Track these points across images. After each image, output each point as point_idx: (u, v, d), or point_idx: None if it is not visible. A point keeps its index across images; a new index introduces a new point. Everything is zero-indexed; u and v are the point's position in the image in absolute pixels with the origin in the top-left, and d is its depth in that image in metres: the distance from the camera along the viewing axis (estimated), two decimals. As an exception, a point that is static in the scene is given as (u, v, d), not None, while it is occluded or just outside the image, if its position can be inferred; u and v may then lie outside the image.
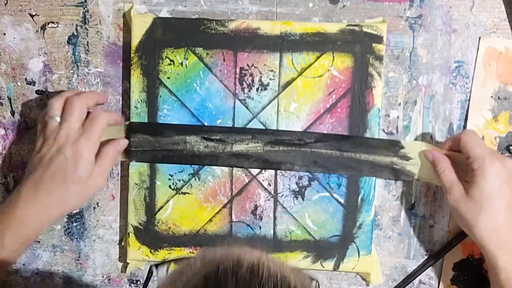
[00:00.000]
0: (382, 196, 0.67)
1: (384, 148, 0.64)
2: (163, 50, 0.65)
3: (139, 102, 0.65)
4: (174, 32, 0.64)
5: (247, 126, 0.65)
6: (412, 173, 0.64)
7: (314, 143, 0.64)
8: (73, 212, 0.68)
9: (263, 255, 0.42)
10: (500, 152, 0.65)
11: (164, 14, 0.66)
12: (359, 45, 0.63)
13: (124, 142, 0.64)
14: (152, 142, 0.65)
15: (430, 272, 0.68)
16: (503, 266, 0.57)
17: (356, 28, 0.63)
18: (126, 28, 0.66)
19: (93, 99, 0.63)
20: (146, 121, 0.65)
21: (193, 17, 0.65)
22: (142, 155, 0.65)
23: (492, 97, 0.65)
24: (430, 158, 0.61)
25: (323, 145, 0.64)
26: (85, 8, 0.66)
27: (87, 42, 0.67)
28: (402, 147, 0.64)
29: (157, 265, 0.67)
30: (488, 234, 0.57)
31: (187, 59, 0.65)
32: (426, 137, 0.66)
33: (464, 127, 0.66)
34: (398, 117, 0.66)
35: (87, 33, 0.67)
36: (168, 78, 0.65)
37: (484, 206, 0.57)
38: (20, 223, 0.59)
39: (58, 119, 0.60)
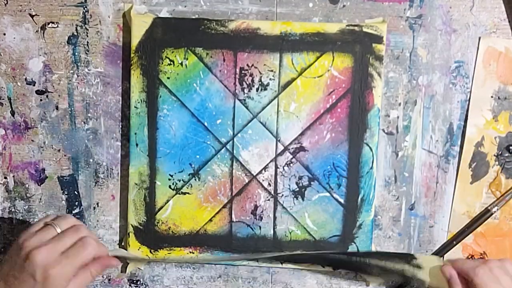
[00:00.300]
0: (382, 196, 0.67)
1: (396, 257, 0.64)
2: (163, 50, 0.65)
3: (139, 102, 0.65)
4: (174, 32, 0.64)
5: (247, 126, 0.65)
6: (422, 281, 0.63)
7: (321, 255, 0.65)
8: (73, 212, 0.68)
9: None
10: (500, 152, 0.65)
11: (164, 14, 0.66)
12: (359, 45, 0.63)
13: (115, 263, 0.60)
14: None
15: (430, 272, 0.68)
16: None
17: (356, 28, 0.63)
18: (126, 28, 0.66)
19: (99, 252, 0.58)
20: (146, 121, 0.65)
21: (193, 17, 0.65)
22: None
23: (492, 97, 0.65)
24: (447, 275, 0.62)
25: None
26: (85, 8, 0.66)
27: (87, 42, 0.67)
28: (415, 258, 0.63)
29: None
30: None
31: (187, 59, 0.65)
32: (426, 137, 0.66)
33: (464, 127, 0.66)
34: (398, 117, 0.66)
35: (87, 33, 0.67)
36: (168, 78, 0.65)
37: None
38: None
39: (58, 230, 0.57)
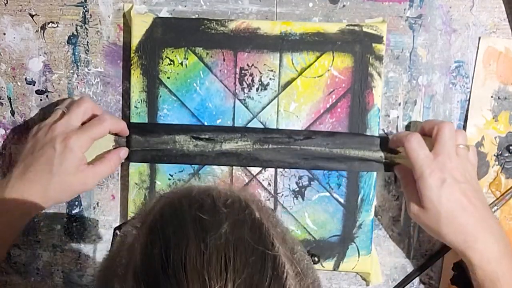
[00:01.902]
0: (382, 196, 0.67)
1: (373, 144, 0.64)
2: (163, 50, 0.65)
3: (139, 102, 0.65)
4: (174, 32, 0.64)
5: (247, 126, 0.65)
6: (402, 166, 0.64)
7: (303, 140, 0.64)
8: (73, 212, 0.68)
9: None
10: (500, 152, 0.65)
11: (164, 14, 0.66)
12: (359, 45, 0.63)
13: (125, 151, 0.64)
14: (141, 142, 0.65)
15: (430, 272, 0.68)
16: (477, 264, 0.57)
17: (356, 28, 0.63)
18: (126, 28, 0.66)
19: (113, 125, 0.63)
20: (146, 121, 0.65)
21: (193, 17, 0.65)
22: (132, 155, 0.65)
23: (492, 97, 0.65)
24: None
25: (312, 142, 0.64)
26: (85, 8, 0.66)
27: (87, 42, 0.67)
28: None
29: (120, 227, 0.65)
30: (455, 238, 0.58)
31: (187, 59, 0.65)
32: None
33: (464, 127, 0.66)
34: (398, 117, 0.66)
35: (87, 33, 0.67)
36: (168, 78, 0.65)
37: (441, 213, 0.57)
38: (7, 210, 0.59)
39: (63, 110, 0.62)
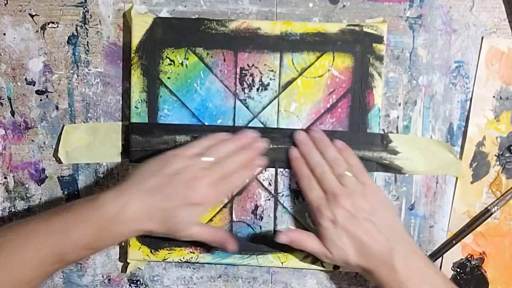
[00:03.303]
0: (382, 196, 0.67)
1: (373, 143, 0.64)
2: (163, 50, 0.64)
3: (139, 102, 0.65)
4: (174, 32, 0.64)
5: (248, 126, 0.65)
6: (400, 167, 0.64)
7: None
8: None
9: None
10: (501, 153, 0.65)
11: (164, 14, 0.66)
12: (359, 45, 0.63)
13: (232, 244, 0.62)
14: (142, 142, 0.65)
15: (430, 272, 0.68)
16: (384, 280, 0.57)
17: (357, 28, 0.63)
18: (126, 28, 0.66)
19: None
20: (147, 121, 0.65)
21: (193, 17, 0.65)
22: (132, 155, 0.65)
23: (494, 97, 0.65)
24: (284, 240, 0.61)
25: None
26: (85, 8, 0.66)
27: (87, 42, 0.67)
28: (391, 141, 0.64)
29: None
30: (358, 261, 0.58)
31: (187, 59, 0.65)
32: (426, 137, 0.66)
33: (465, 127, 0.65)
34: (398, 117, 0.66)
35: (87, 33, 0.67)
36: (169, 78, 0.65)
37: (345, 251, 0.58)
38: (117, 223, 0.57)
39: (211, 159, 0.60)
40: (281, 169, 0.65)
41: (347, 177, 0.60)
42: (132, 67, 0.65)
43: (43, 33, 0.67)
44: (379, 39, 0.63)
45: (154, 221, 0.57)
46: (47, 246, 0.55)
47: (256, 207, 0.66)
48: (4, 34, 0.67)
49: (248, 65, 0.64)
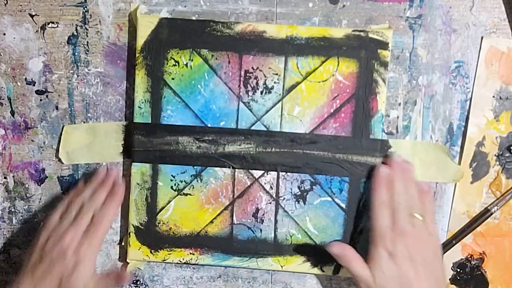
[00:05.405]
0: (382, 196, 0.67)
1: (375, 148, 0.64)
2: (168, 51, 0.64)
3: (143, 103, 0.65)
4: (179, 33, 0.64)
5: (250, 129, 0.65)
6: None
7: (306, 145, 0.64)
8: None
9: None
10: (501, 153, 0.65)
11: (163, 14, 0.66)
12: (364, 50, 0.63)
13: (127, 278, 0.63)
14: (144, 142, 0.65)
15: (430, 272, 0.68)
16: None
17: (362, 34, 0.63)
18: (131, 28, 0.66)
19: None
20: (150, 121, 0.65)
21: (193, 17, 0.65)
22: (135, 155, 0.65)
23: (493, 97, 0.65)
24: (336, 252, 0.61)
25: (315, 146, 0.64)
26: (85, 8, 0.66)
27: (87, 42, 0.67)
28: (390, 147, 0.64)
29: None
30: None
31: (192, 60, 0.65)
32: (426, 137, 0.66)
33: (465, 127, 0.66)
34: (398, 117, 0.66)
35: (87, 33, 0.67)
36: (173, 79, 0.65)
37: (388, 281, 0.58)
38: None
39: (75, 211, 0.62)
40: (283, 173, 0.65)
41: (418, 220, 0.59)
42: (136, 67, 0.65)
43: (43, 33, 0.67)
44: (384, 45, 0.63)
45: None
46: None
47: (257, 210, 0.66)
48: (4, 34, 0.67)
49: (252, 68, 0.64)
